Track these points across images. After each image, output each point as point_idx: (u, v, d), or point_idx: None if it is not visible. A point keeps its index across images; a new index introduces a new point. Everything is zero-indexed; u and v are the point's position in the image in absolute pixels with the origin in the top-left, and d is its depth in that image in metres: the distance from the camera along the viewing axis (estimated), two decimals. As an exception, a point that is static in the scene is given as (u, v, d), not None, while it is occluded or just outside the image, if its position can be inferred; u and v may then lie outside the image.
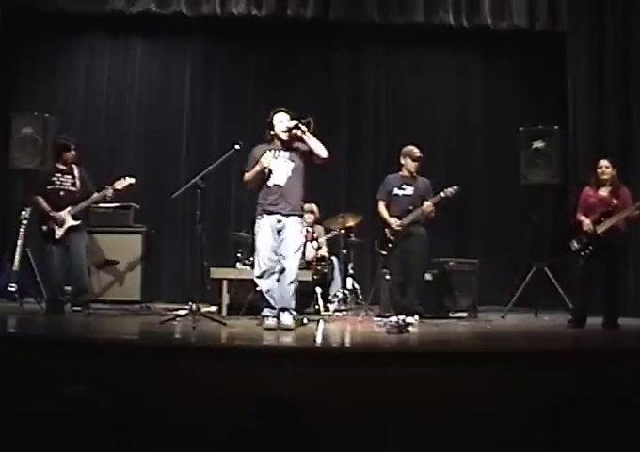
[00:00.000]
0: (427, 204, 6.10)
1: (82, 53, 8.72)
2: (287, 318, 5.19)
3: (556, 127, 7.35)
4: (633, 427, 1.54)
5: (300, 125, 5.30)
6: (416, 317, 5.74)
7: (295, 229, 5.31)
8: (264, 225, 5.28)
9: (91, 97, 8.70)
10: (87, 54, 8.73)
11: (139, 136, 8.64)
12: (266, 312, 5.25)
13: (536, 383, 3.60)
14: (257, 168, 5.30)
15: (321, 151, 5.31)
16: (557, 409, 1.60)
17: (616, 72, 7.70)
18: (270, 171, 5.31)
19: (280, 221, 5.27)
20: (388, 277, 6.56)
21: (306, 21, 8.08)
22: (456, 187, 6.17)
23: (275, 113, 5.46)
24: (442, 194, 6.14)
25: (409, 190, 6.29)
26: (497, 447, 3.41)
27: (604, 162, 5.90)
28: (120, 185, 6.13)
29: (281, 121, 5.40)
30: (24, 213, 6.80)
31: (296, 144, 5.40)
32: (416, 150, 6.33)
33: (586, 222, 5.80)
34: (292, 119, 5.39)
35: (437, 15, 8.02)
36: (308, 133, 5.30)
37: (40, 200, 6.14)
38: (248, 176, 5.41)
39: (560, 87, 8.19)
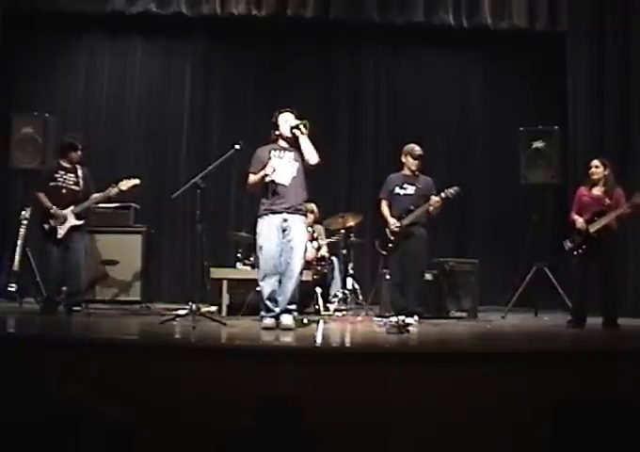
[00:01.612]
0: (435, 199, 6.06)
1: (82, 53, 8.72)
2: (288, 319, 5.18)
3: (556, 127, 7.35)
4: (633, 428, 1.54)
5: (300, 126, 5.29)
6: (416, 318, 5.73)
7: (301, 230, 5.29)
8: (270, 224, 5.24)
9: (91, 97, 8.70)
10: (87, 54, 8.73)
11: (139, 136, 8.64)
12: (265, 314, 5.24)
13: (536, 383, 3.60)
14: (262, 173, 5.27)
15: (311, 156, 5.28)
16: (557, 410, 1.59)
17: (616, 72, 7.70)
18: (274, 171, 5.29)
19: (285, 220, 5.24)
20: (388, 277, 6.56)
21: (306, 21, 8.08)
22: (456, 188, 6.15)
23: (280, 113, 5.45)
24: (443, 195, 6.11)
25: (411, 190, 6.27)
26: (497, 447, 3.41)
27: (594, 162, 5.95)
28: (124, 185, 6.09)
29: (287, 121, 5.38)
30: (23, 213, 6.80)
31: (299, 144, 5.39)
32: (417, 148, 6.31)
33: (579, 221, 5.83)
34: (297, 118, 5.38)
35: (437, 15, 8.03)
36: (305, 136, 5.29)
37: (42, 196, 6.08)
38: (253, 180, 5.35)
39: (560, 87, 8.19)
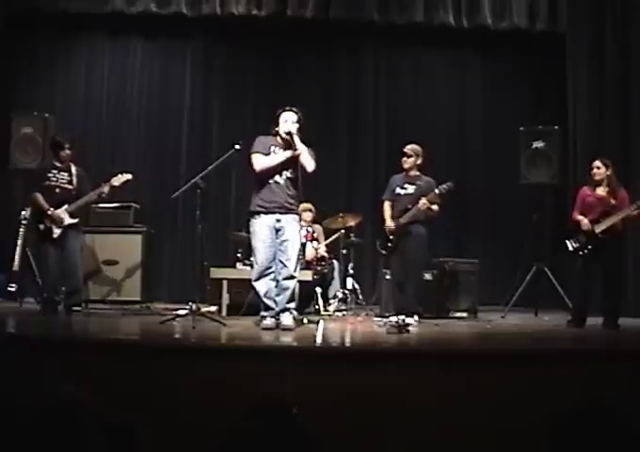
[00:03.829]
0: (422, 202, 6.07)
1: (82, 53, 8.73)
2: (287, 319, 5.18)
3: (556, 127, 7.34)
4: (631, 437, 1.53)
5: (294, 136, 5.23)
6: (415, 318, 5.73)
7: (295, 229, 5.28)
8: (263, 224, 5.23)
9: (91, 97, 8.70)
10: (87, 54, 8.74)
11: (139, 135, 8.64)
12: (265, 313, 5.24)
13: (536, 383, 3.60)
14: (277, 161, 5.24)
15: (307, 163, 5.24)
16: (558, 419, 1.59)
17: (616, 72, 7.69)
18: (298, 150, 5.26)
19: (279, 221, 5.23)
20: (388, 277, 6.56)
21: (306, 21, 8.09)
22: (450, 183, 6.11)
23: (283, 111, 5.38)
24: (437, 191, 6.09)
25: (411, 189, 6.27)
26: (497, 447, 3.41)
27: (595, 162, 5.95)
28: (116, 181, 6.07)
29: (286, 121, 5.34)
30: (23, 213, 6.80)
31: None
32: (407, 146, 6.30)
33: (585, 222, 5.82)
34: (298, 120, 5.34)
35: (437, 15, 8.04)
36: (299, 144, 5.23)
37: (38, 196, 6.07)
38: (267, 164, 5.26)
39: (560, 87, 8.19)
